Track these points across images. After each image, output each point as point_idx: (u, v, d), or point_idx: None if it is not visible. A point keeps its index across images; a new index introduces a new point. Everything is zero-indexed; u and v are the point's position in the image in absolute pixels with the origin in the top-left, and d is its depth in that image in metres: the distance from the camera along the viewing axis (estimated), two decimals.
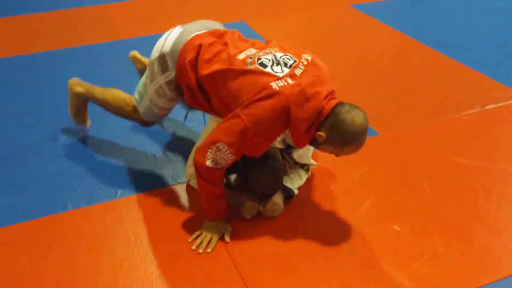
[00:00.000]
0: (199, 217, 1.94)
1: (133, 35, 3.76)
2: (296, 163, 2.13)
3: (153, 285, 1.72)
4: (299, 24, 4.09)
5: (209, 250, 1.83)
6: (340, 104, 1.74)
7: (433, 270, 1.75)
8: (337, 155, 1.81)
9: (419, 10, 4.43)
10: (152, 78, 2.05)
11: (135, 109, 2.17)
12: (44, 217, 2.01)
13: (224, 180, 2.05)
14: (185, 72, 1.91)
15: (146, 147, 2.46)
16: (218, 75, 1.84)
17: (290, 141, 1.92)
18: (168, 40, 2.00)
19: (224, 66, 1.83)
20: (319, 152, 2.34)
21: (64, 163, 2.34)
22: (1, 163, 2.36)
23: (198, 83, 1.90)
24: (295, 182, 2.09)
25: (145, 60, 2.59)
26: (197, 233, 1.89)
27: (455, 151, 2.39)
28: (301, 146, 1.83)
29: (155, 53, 2.02)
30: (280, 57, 1.82)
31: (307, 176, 2.15)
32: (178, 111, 2.44)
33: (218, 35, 1.97)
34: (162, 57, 1.99)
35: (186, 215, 2.00)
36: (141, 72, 2.63)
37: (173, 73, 1.97)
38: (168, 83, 2.00)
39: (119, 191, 2.15)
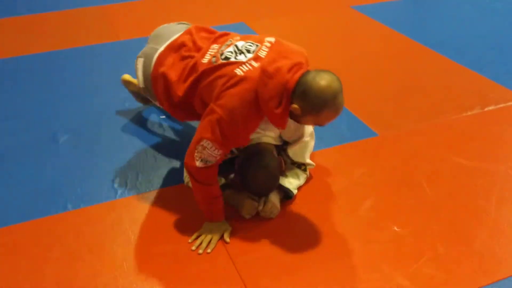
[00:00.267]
0: (199, 218, 1.93)
1: (133, 36, 3.76)
2: (293, 163, 2.13)
3: (153, 285, 1.72)
4: (299, 25, 4.10)
5: (209, 251, 1.83)
6: (306, 72, 1.71)
7: (433, 270, 1.75)
8: (320, 125, 1.77)
9: (419, 12, 4.44)
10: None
11: None
12: (44, 217, 2.01)
13: (224, 180, 2.06)
14: (165, 100, 2.00)
15: (146, 147, 2.46)
16: (192, 87, 1.89)
17: (282, 133, 1.94)
18: (138, 76, 2.13)
19: (194, 76, 1.87)
20: (318, 152, 2.34)
21: (64, 163, 2.34)
22: (1, 163, 2.36)
23: (181, 102, 1.95)
24: (293, 182, 2.08)
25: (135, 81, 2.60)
26: (197, 233, 1.89)
27: (455, 152, 2.39)
28: (282, 125, 1.79)
29: (140, 85, 2.16)
30: (242, 46, 1.85)
31: (305, 176, 2.15)
32: None
33: (177, 47, 2.02)
34: (144, 91, 2.15)
35: (186, 216, 2.00)
36: (133, 93, 2.67)
37: (158, 102, 2.10)
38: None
39: (119, 191, 2.15)
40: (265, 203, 1.98)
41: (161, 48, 2.04)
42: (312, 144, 2.14)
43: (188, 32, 2.06)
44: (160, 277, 1.74)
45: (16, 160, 2.38)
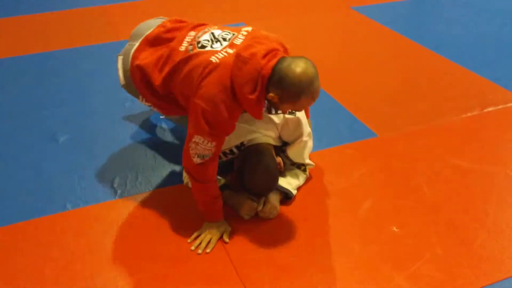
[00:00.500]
0: (199, 218, 1.94)
1: None
2: (293, 163, 2.14)
3: (152, 285, 1.72)
4: (299, 25, 4.10)
5: (208, 251, 1.83)
6: (281, 59, 1.69)
7: (432, 272, 1.75)
8: (299, 110, 1.79)
9: (419, 13, 4.44)
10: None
11: None
12: (44, 217, 2.01)
13: (223, 181, 2.06)
14: (147, 92, 1.99)
15: (146, 147, 2.46)
16: (169, 76, 1.88)
17: (281, 134, 1.93)
18: (119, 75, 2.11)
19: (171, 65, 1.86)
20: (317, 153, 2.35)
21: (64, 163, 2.35)
22: (1, 163, 2.36)
23: (163, 94, 1.94)
24: (292, 182, 2.09)
25: None
26: (196, 233, 1.89)
27: (454, 154, 2.39)
28: (258, 115, 1.76)
29: (121, 82, 2.13)
30: (218, 35, 1.85)
31: (305, 176, 2.15)
32: None
33: (152, 39, 2.01)
34: (127, 88, 2.11)
35: (186, 215, 2.00)
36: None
37: (141, 96, 2.06)
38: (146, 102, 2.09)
39: (119, 191, 2.15)
40: (264, 203, 1.98)
41: (137, 44, 2.04)
42: (310, 144, 2.14)
43: (162, 25, 2.05)
44: (159, 277, 1.74)
45: (16, 160, 2.38)
